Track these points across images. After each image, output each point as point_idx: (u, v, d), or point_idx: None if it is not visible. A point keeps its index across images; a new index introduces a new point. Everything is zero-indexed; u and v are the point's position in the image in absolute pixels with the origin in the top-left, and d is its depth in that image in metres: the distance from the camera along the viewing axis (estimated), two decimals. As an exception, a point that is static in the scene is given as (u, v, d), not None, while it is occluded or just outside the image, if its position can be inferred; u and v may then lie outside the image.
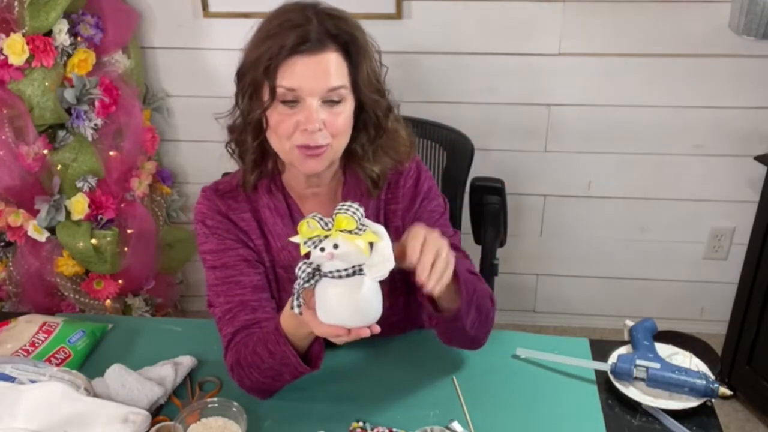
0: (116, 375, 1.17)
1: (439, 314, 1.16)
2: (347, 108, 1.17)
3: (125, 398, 1.15)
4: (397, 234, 1.19)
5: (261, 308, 1.23)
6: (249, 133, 1.20)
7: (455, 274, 1.10)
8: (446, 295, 1.12)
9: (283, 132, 1.15)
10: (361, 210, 1.00)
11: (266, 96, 1.14)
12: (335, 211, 0.99)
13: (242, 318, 1.22)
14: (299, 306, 1.02)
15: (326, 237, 0.96)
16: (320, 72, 1.12)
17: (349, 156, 1.24)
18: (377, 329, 1.02)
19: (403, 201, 1.30)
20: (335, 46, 1.14)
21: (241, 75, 1.18)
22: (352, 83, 1.16)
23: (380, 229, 1.00)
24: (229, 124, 1.24)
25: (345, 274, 0.97)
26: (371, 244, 0.97)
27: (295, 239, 0.99)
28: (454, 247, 1.26)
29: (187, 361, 1.26)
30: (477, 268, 1.65)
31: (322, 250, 0.95)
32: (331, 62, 1.13)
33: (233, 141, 1.24)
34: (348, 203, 1.00)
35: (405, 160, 1.30)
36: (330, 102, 1.14)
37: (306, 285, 0.99)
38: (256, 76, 1.14)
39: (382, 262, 0.98)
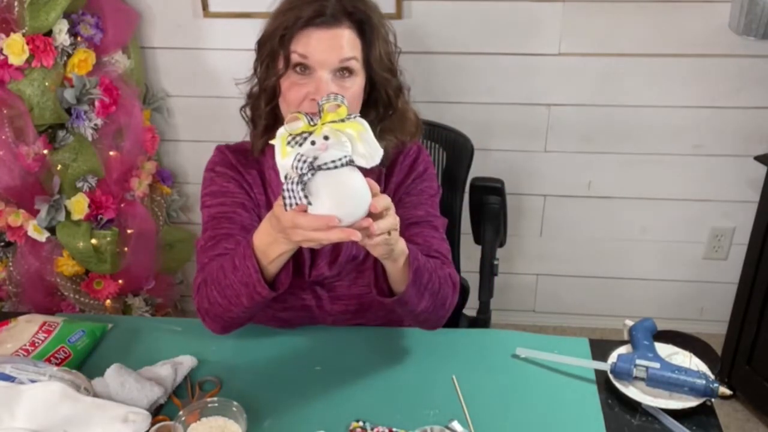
0: (116, 375, 1.17)
1: (386, 298, 1.17)
2: (357, 82, 1.21)
3: (125, 398, 1.15)
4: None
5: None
6: (263, 99, 1.26)
7: (407, 260, 1.13)
8: (398, 276, 1.15)
9: (293, 99, 1.19)
10: (344, 100, 1.00)
11: (281, 64, 1.19)
12: (320, 103, 0.99)
13: (223, 245, 1.25)
14: (306, 198, 0.97)
15: (311, 133, 0.96)
16: (333, 45, 1.17)
17: None
18: (369, 223, 0.99)
19: (398, 175, 1.34)
20: (350, 23, 1.19)
21: (260, 44, 1.25)
22: (364, 60, 1.21)
23: (363, 121, 1.00)
24: (248, 91, 1.30)
25: (340, 164, 0.95)
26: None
27: (275, 142, 0.98)
28: (434, 227, 1.31)
29: (187, 361, 1.26)
30: (477, 268, 1.66)
31: (313, 143, 0.95)
32: (344, 37, 1.18)
33: (248, 106, 1.30)
34: (332, 95, 1.00)
35: (408, 141, 1.34)
36: (341, 75, 1.18)
37: (305, 178, 0.95)
38: (273, 45, 1.20)
39: (371, 150, 0.98)
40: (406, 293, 1.16)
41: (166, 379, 1.21)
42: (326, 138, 0.95)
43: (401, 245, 1.13)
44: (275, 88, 1.22)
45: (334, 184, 0.96)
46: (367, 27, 1.21)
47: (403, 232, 1.18)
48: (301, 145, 0.96)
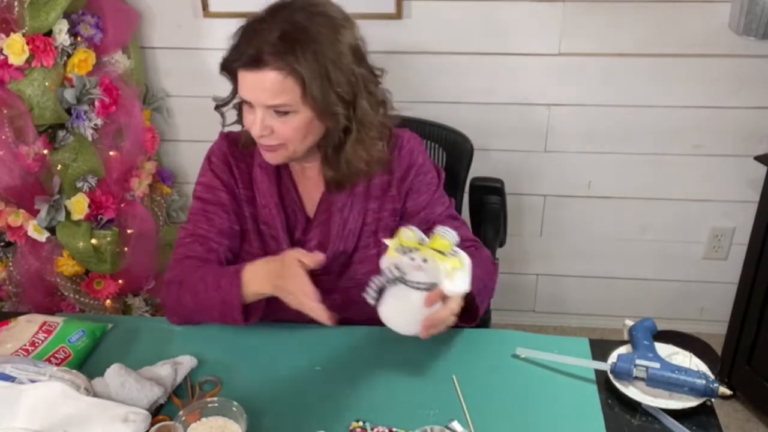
0: (116, 375, 1.17)
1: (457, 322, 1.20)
2: (297, 118, 1.22)
3: (125, 398, 1.15)
4: (393, 201, 1.34)
5: (217, 251, 1.34)
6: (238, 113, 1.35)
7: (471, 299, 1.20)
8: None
9: (246, 123, 1.26)
10: (457, 238, 1.10)
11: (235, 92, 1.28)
12: (434, 232, 1.10)
13: (199, 249, 1.33)
14: (375, 299, 1.13)
15: (417, 250, 1.06)
16: (260, 88, 1.20)
17: (326, 146, 1.30)
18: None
19: (398, 170, 1.36)
20: (280, 63, 1.17)
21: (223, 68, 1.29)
22: (302, 97, 1.19)
23: (466, 258, 1.09)
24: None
25: (423, 287, 1.06)
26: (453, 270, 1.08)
27: (388, 241, 1.10)
28: (454, 217, 1.39)
29: (187, 361, 1.26)
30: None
31: (412, 259, 1.05)
32: (269, 80, 1.18)
33: (230, 104, 1.36)
34: (448, 228, 1.11)
35: (375, 170, 1.33)
36: (277, 113, 1.21)
37: (387, 284, 1.10)
38: (230, 72, 1.26)
39: (456, 287, 1.09)
40: (478, 312, 1.24)
41: (166, 379, 1.21)
42: (424, 261, 1.06)
43: (458, 306, 1.16)
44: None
45: (403, 299, 1.09)
46: (302, 65, 1.16)
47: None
48: (404, 254, 1.07)
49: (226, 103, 1.35)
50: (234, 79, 1.26)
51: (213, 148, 1.40)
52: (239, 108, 1.32)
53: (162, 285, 1.34)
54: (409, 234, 1.08)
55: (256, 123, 1.22)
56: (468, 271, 1.10)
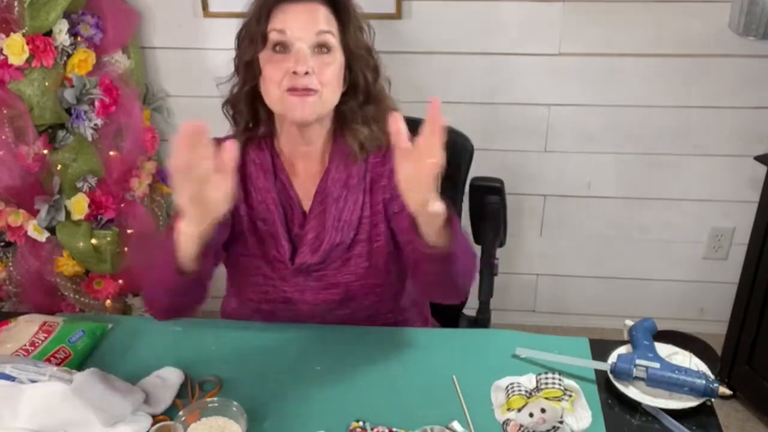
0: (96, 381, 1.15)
1: (432, 249, 1.13)
2: (336, 59, 1.23)
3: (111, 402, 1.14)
4: (384, 190, 1.31)
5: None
6: (243, 100, 1.29)
7: (447, 219, 1.11)
8: (435, 230, 1.11)
9: (274, 77, 1.21)
10: (562, 379, 1.11)
11: (259, 43, 1.22)
12: (537, 385, 1.11)
13: None
14: None
15: (528, 404, 1.08)
16: (309, 18, 1.20)
17: (338, 119, 1.31)
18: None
19: (391, 161, 1.30)
20: (324, 1, 1.23)
21: (239, 35, 1.27)
22: (340, 39, 1.24)
23: (575, 385, 1.13)
24: (230, 90, 1.32)
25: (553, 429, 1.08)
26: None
27: (498, 412, 1.12)
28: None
29: (173, 377, 1.24)
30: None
31: (531, 415, 1.06)
32: (319, 11, 1.22)
33: (229, 102, 1.33)
34: (549, 375, 1.12)
35: (384, 141, 1.31)
36: (319, 51, 1.21)
37: None
38: (251, 27, 1.23)
39: (586, 422, 1.11)
40: (453, 247, 1.13)
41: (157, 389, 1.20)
42: (543, 411, 1.07)
43: (439, 206, 1.10)
44: (256, 78, 1.24)
45: None
46: (341, 7, 1.24)
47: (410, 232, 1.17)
48: (519, 411, 1.08)
49: (246, 69, 1.26)
50: (252, 38, 1.22)
51: None
52: (249, 73, 1.25)
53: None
54: (515, 398, 1.11)
55: (300, 58, 1.18)
56: (583, 399, 1.14)
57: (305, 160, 1.34)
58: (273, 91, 1.22)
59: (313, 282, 1.35)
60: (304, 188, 1.35)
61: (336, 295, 1.35)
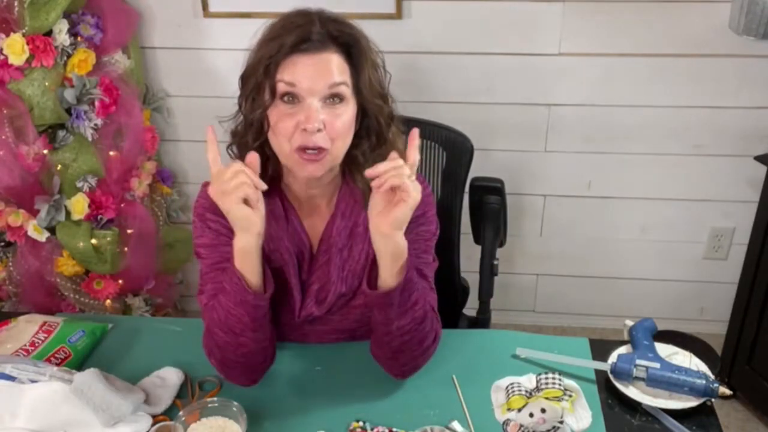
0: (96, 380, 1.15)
1: (372, 291, 1.15)
2: (349, 109, 1.17)
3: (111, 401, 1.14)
4: None
5: None
6: (250, 135, 1.20)
7: (402, 268, 1.13)
8: (390, 281, 1.14)
9: (283, 131, 1.14)
10: (562, 379, 1.10)
11: (267, 95, 1.15)
12: (538, 385, 1.10)
13: None
14: None
15: (528, 404, 1.08)
16: (321, 70, 1.13)
17: (348, 162, 1.24)
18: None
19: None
20: (336, 47, 1.15)
21: (244, 78, 1.20)
22: (353, 86, 1.17)
23: (575, 385, 1.12)
24: (232, 129, 1.25)
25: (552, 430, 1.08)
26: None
27: (499, 411, 1.11)
28: (424, 276, 1.27)
29: (173, 377, 1.24)
30: (477, 268, 1.66)
31: (531, 415, 1.06)
32: (332, 61, 1.14)
33: (235, 144, 1.24)
34: (549, 375, 1.11)
35: None
36: (331, 102, 1.15)
37: None
38: (258, 77, 1.15)
39: (586, 421, 1.11)
40: (393, 293, 1.13)
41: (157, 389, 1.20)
42: (543, 411, 1.07)
43: (403, 241, 1.12)
44: (262, 122, 1.18)
45: None
46: (354, 51, 1.16)
47: None
48: (519, 411, 1.08)
49: (251, 121, 1.19)
50: (259, 87, 1.15)
51: (202, 205, 1.26)
52: (257, 125, 1.19)
53: (207, 357, 1.23)
54: (515, 398, 1.10)
55: (311, 115, 1.12)
56: (583, 399, 1.13)
57: (313, 202, 1.29)
58: (284, 146, 1.16)
59: (319, 326, 1.32)
60: (314, 229, 1.29)
61: (340, 338, 1.33)
